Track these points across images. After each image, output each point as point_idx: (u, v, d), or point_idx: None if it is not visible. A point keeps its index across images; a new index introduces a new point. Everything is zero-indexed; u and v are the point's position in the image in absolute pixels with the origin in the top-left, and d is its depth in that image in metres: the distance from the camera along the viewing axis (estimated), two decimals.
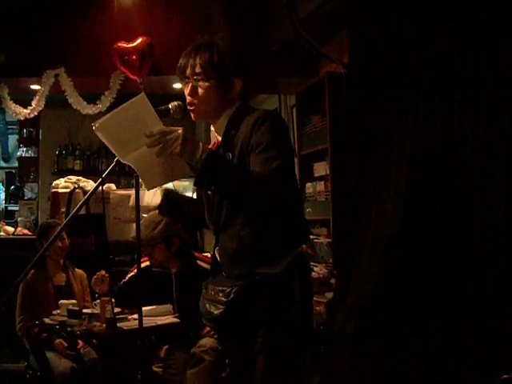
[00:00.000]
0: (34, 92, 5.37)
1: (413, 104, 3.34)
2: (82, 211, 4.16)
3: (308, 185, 5.21)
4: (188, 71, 2.21)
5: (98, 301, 3.65)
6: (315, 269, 4.45)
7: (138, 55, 5.13)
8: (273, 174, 2.02)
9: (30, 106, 5.36)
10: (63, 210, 4.98)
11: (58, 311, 3.77)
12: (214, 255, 2.35)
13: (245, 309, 2.15)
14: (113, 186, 5.32)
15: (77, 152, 8.09)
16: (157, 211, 3.88)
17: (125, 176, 7.34)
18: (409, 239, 3.22)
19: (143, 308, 2.93)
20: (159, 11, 5.43)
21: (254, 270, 2.14)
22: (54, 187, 5.20)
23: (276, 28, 5.17)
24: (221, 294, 2.18)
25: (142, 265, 3.75)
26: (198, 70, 2.18)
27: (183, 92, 2.29)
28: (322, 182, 4.99)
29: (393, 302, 3.22)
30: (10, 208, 8.72)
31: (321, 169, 5.07)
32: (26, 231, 6.03)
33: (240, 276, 2.18)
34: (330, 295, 4.15)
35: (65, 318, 3.63)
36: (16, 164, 8.88)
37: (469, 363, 2.77)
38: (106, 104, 5.34)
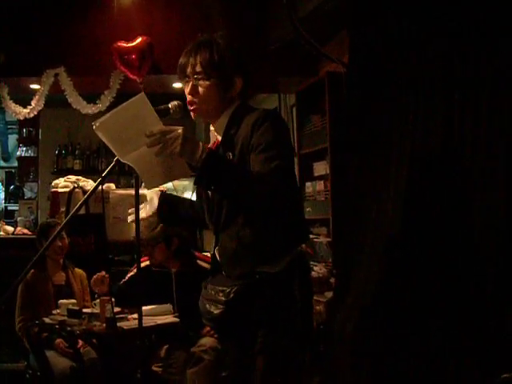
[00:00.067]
0: (34, 91, 5.37)
1: (413, 104, 3.34)
2: (82, 211, 4.14)
3: (308, 184, 5.21)
4: (188, 70, 2.20)
5: (98, 300, 3.65)
6: (315, 268, 4.46)
7: (137, 55, 5.13)
8: (273, 173, 2.02)
9: (30, 105, 5.36)
10: (63, 209, 4.98)
11: (58, 311, 3.77)
12: (213, 255, 2.35)
13: (245, 308, 2.15)
14: (112, 185, 5.31)
15: (76, 151, 8.09)
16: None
17: (124, 175, 7.33)
18: (409, 239, 3.22)
19: (143, 307, 2.93)
20: (159, 11, 5.43)
21: (254, 270, 2.14)
22: (53, 187, 5.19)
23: (276, 27, 5.17)
24: (221, 294, 2.18)
25: (142, 264, 3.75)
26: (198, 68, 2.18)
27: (183, 91, 2.28)
28: (322, 182, 4.99)
29: (393, 302, 3.22)
30: (9, 208, 8.73)
31: (320, 168, 5.07)
32: (25, 231, 6.02)
33: (240, 276, 2.17)
34: (329, 295, 4.15)
35: (65, 318, 3.63)
36: (16, 164, 8.89)
37: (469, 363, 2.77)
38: (106, 103, 5.33)
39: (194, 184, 2.08)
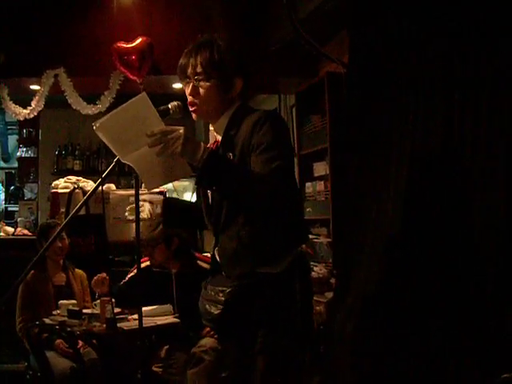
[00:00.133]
0: (34, 92, 5.37)
1: (413, 104, 3.34)
2: (82, 211, 4.14)
3: (308, 184, 5.21)
4: (189, 71, 2.20)
5: (98, 301, 3.65)
6: (315, 268, 4.46)
7: (137, 55, 5.13)
8: (273, 173, 2.02)
9: (30, 106, 5.36)
10: (63, 210, 4.98)
11: (58, 311, 3.77)
12: (213, 255, 2.35)
13: (244, 309, 2.15)
14: (112, 186, 5.32)
15: (76, 152, 8.09)
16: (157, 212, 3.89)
17: (125, 176, 7.34)
18: (409, 239, 3.22)
19: (143, 308, 2.93)
20: (159, 11, 5.43)
21: (254, 270, 2.14)
22: (53, 187, 5.19)
23: (276, 28, 5.17)
24: (220, 294, 2.18)
25: (142, 265, 3.75)
26: (198, 69, 2.18)
27: (183, 92, 2.29)
28: (322, 182, 5.00)
29: (393, 302, 3.22)
30: (9, 208, 8.73)
31: (320, 169, 5.08)
32: (25, 231, 6.02)
33: (240, 276, 2.17)
34: (329, 295, 4.15)
35: (65, 319, 3.63)
36: (16, 164, 8.89)
37: (469, 363, 2.77)
38: (106, 104, 5.34)
39: (195, 184, 2.09)
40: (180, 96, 2.29)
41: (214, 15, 5.21)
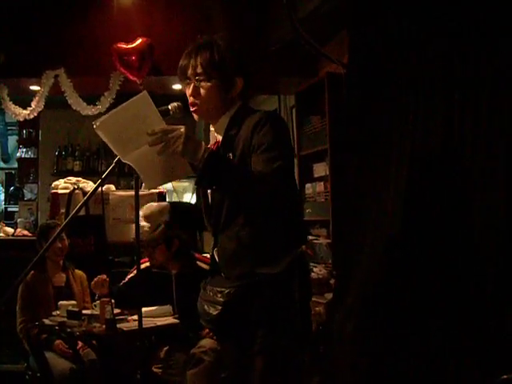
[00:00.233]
0: (34, 93, 5.37)
1: (413, 104, 3.34)
2: (82, 212, 4.14)
3: (307, 185, 5.21)
4: (189, 72, 2.21)
5: (98, 302, 3.64)
6: (315, 269, 4.45)
7: (137, 56, 5.13)
8: (274, 173, 2.03)
9: (30, 106, 5.36)
10: (63, 210, 4.98)
11: (58, 312, 3.77)
12: (212, 256, 2.34)
13: (243, 309, 2.15)
14: (112, 186, 5.31)
15: (76, 153, 8.09)
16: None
17: (124, 177, 7.35)
18: (409, 239, 3.22)
19: (143, 309, 2.93)
20: (159, 11, 5.43)
21: (254, 271, 2.14)
22: (53, 188, 5.19)
23: (276, 28, 5.17)
24: (219, 295, 2.18)
25: (142, 266, 3.75)
26: (199, 70, 2.18)
27: (183, 92, 2.28)
28: (322, 183, 4.99)
29: (393, 302, 3.21)
30: (9, 209, 8.72)
31: (320, 169, 5.07)
32: (25, 232, 6.01)
33: (239, 276, 2.17)
34: (329, 296, 4.15)
35: (64, 319, 3.62)
36: (16, 165, 8.88)
37: (469, 363, 2.77)
38: (106, 105, 5.33)
39: (196, 183, 2.09)
40: (180, 96, 2.29)
41: (214, 15, 5.21)
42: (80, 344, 3.78)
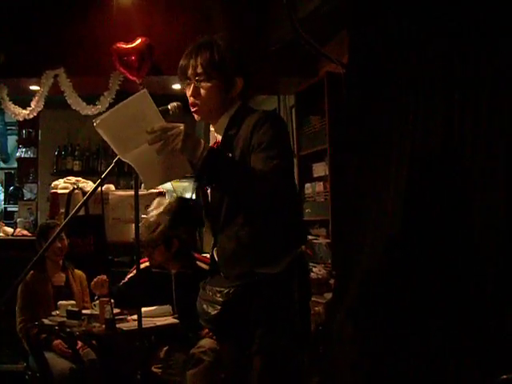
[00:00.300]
0: (34, 93, 5.37)
1: (413, 104, 3.33)
2: (81, 212, 4.14)
3: (307, 185, 5.20)
4: (189, 72, 2.20)
5: (98, 301, 3.64)
6: (314, 269, 4.45)
7: (137, 56, 5.13)
8: (274, 171, 2.03)
9: (29, 106, 5.36)
10: (62, 210, 4.97)
11: (58, 312, 3.76)
12: (212, 256, 2.34)
13: (242, 309, 2.14)
14: (112, 186, 5.31)
15: (76, 153, 8.08)
16: (157, 212, 3.87)
17: (124, 177, 7.34)
18: (409, 239, 3.22)
19: (142, 309, 2.92)
20: (159, 11, 5.43)
21: (253, 271, 2.14)
22: (53, 188, 5.19)
23: (276, 28, 5.17)
24: (218, 295, 2.18)
25: (142, 266, 3.74)
26: (199, 70, 2.18)
27: (183, 92, 2.28)
28: (321, 183, 4.99)
29: (393, 302, 3.21)
30: (9, 209, 8.71)
31: (320, 169, 5.07)
32: (25, 232, 6.01)
33: (238, 276, 2.17)
34: (329, 296, 4.15)
35: (64, 319, 3.62)
36: (15, 165, 8.87)
37: (469, 363, 2.77)
38: (105, 104, 5.33)
39: (195, 181, 2.08)
40: (180, 96, 2.29)
41: (214, 15, 5.21)
42: (79, 344, 3.78)
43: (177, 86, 5.52)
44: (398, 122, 3.45)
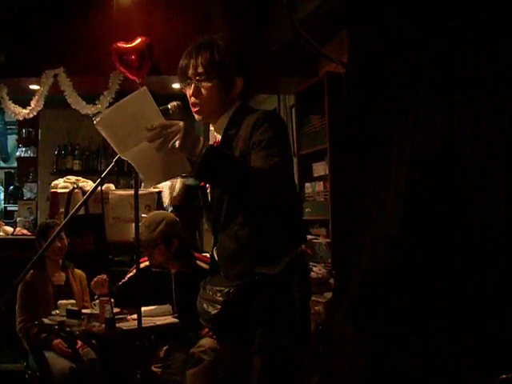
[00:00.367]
0: (33, 92, 5.36)
1: (413, 104, 3.33)
2: (81, 211, 4.15)
3: (307, 185, 5.21)
4: (190, 72, 2.21)
5: (97, 301, 3.64)
6: (314, 269, 4.45)
7: (137, 55, 5.13)
8: (273, 169, 2.03)
9: (29, 106, 5.35)
10: (62, 210, 4.98)
11: (57, 311, 3.76)
12: (212, 255, 2.35)
13: (242, 308, 2.15)
14: (112, 186, 5.31)
15: (76, 152, 8.08)
16: (157, 212, 3.88)
17: (124, 176, 7.34)
18: (409, 239, 3.22)
19: (142, 308, 2.92)
20: (159, 11, 5.43)
21: (253, 270, 2.14)
22: (53, 187, 5.19)
23: (276, 28, 5.17)
24: (218, 294, 2.18)
25: (142, 265, 3.74)
26: (200, 69, 2.18)
27: (183, 92, 2.28)
28: (321, 182, 4.99)
29: (393, 302, 3.21)
30: (9, 208, 8.71)
31: (320, 169, 5.07)
32: (25, 231, 6.01)
33: (238, 275, 2.17)
34: (328, 295, 4.15)
35: (64, 318, 3.62)
36: (15, 164, 8.87)
37: (469, 363, 2.77)
38: (105, 104, 5.33)
39: (195, 178, 2.08)
40: (180, 96, 2.29)
41: (214, 15, 5.21)
42: (79, 343, 3.78)
43: (177, 86, 5.52)
44: (398, 122, 3.45)
